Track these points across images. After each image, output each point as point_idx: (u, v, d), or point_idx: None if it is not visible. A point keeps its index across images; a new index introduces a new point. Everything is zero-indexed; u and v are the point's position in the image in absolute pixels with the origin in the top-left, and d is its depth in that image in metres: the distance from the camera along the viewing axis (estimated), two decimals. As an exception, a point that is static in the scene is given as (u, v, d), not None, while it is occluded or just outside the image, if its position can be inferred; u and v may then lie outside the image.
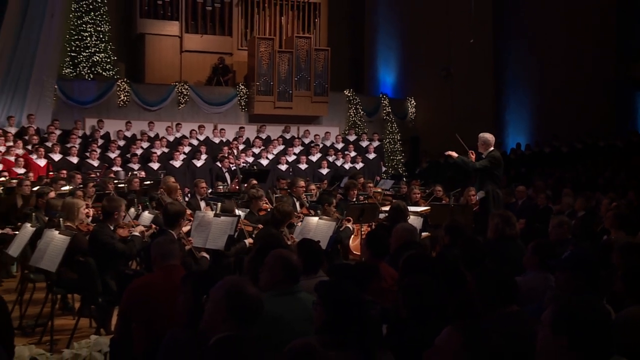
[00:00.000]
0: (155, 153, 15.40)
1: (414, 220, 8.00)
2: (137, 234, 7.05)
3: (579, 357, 2.35)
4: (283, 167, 16.39)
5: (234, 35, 19.65)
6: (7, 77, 15.66)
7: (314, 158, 17.19)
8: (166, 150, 15.99)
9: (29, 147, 14.37)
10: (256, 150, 16.90)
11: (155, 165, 15.05)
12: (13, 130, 15.01)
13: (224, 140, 17.27)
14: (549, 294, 4.35)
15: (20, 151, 13.80)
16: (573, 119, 17.40)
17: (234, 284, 3.04)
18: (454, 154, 9.29)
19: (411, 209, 8.84)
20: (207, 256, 6.80)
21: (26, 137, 14.73)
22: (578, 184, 13.73)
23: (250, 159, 16.39)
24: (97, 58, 17.66)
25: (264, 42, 18.57)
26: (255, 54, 18.29)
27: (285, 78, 18.46)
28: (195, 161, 15.79)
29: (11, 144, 14.03)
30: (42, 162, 13.89)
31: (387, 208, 9.02)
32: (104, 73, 17.75)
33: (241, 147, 16.97)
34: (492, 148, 9.30)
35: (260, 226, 7.82)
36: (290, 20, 20.21)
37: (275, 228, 6.95)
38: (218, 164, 15.54)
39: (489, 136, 9.37)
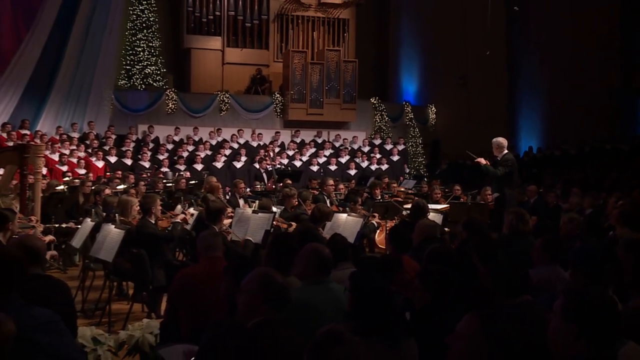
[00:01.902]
0: (200, 155, 15.50)
1: (434, 217, 7.95)
2: (178, 220, 7.12)
3: (587, 343, 2.33)
4: (315, 168, 16.38)
5: (270, 48, 19.71)
6: (71, 89, 15.94)
7: (343, 160, 17.15)
8: (209, 153, 16.08)
9: (89, 150, 14.59)
10: (290, 153, 16.91)
11: (199, 167, 15.15)
12: (76, 135, 15.26)
13: (261, 143, 17.32)
14: (560, 285, 4.30)
15: (82, 154, 14.02)
16: (580, 124, 17.14)
17: (266, 275, 3.07)
18: (483, 161, 9.18)
19: (432, 206, 8.79)
20: (251, 239, 6.85)
21: (87, 142, 14.96)
22: (586, 184, 13.49)
23: (285, 161, 16.41)
24: (149, 70, 17.85)
25: (298, 55, 18.59)
26: (290, 66, 18.32)
27: (316, 87, 18.46)
28: (235, 163, 15.86)
29: (74, 147, 14.26)
30: (100, 164, 14.09)
31: (409, 206, 8.98)
32: (154, 84, 17.93)
33: (277, 150, 17.00)
34: (506, 151, 9.19)
35: (293, 223, 7.82)
36: (322, 35, 20.21)
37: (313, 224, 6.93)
38: (256, 165, 15.59)
39: (502, 140, 9.26)
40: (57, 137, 14.71)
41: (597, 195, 10.88)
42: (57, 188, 10.46)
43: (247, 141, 17.32)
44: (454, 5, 19.29)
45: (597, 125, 17.02)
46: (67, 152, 13.92)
